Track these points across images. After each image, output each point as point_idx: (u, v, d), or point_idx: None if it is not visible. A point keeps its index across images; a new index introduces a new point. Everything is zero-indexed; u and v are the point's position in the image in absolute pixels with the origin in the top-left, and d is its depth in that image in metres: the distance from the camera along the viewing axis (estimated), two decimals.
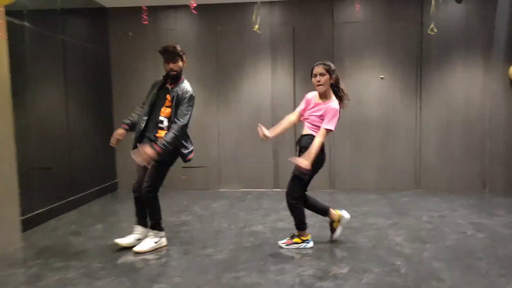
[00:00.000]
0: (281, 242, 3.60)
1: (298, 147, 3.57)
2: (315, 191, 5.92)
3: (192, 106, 3.56)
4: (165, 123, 3.51)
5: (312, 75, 3.46)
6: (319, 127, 3.41)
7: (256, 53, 6.05)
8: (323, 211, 3.67)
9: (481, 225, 4.12)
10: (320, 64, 3.44)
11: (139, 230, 3.65)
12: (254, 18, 4.84)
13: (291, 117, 3.64)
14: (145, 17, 4.27)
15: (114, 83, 6.29)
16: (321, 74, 3.41)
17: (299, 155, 3.46)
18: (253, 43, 6.01)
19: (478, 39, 5.72)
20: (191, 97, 3.54)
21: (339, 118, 3.44)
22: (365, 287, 2.74)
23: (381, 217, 4.52)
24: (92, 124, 5.70)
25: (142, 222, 3.67)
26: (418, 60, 5.85)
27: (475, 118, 5.84)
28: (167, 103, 3.53)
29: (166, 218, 4.56)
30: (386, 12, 5.87)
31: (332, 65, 3.48)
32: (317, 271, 3.02)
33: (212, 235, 3.95)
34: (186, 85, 3.57)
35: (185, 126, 3.48)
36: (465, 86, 5.83)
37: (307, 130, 3.51)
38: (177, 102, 3.48)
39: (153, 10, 5.79)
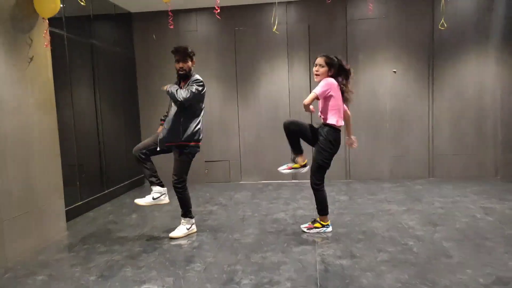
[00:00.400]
0: (303, 226, 3.92)
1: None
2: (332, 181, 6.25)
3: (198, 90, 3.71)
4: None
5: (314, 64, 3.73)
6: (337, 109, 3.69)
7: (273, 51, 6.35)
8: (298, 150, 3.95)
9: (490, 209, 4.36)
10: (323, 56, 3.68)
11: (154, 189, 3.93)
12: (273, 20, 5.13)
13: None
14: (170, 22, 4.60)
15: (140, 84, 6.68)
16: (321, 65, 3.66)
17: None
18: (270, 41, 6.30)
19: (488, 30, 5.90)
20: (198, 81, 3.75)
21: (330, 95, 3.63)
22: (380, 264, 3.04)
23: (395, 204, 4.79)
24: (121, 123, 6.10)
25: (153, 181, 3.95)
26: (430, 53, 6.06)
27: (487, 107, 6.03)
28: None
29: (194, 208, 4.90)
30: (399, 9, 6.08)
31: (336, 60, 3.68)
32: (336, 251, 3.33)
33: (238, 222, 4.29)
34: (196, 76, 3.83)
35: (184, 100, 3.64)
36: (477, 76, 6.02)
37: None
38: None
39: (175, 13, 6.15)
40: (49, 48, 3.94)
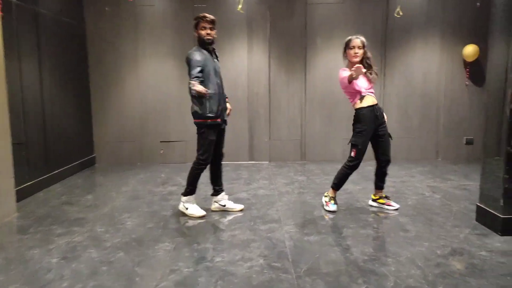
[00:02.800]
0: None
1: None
2: (287, 163, 6.41)
3: (189, 65, 3.61)
4: None
5: (349, 46, 3.74)
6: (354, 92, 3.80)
7: (233, 30, 6.27)
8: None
9: (436, 188, 4.73)
10: (358, 38, 3.73)
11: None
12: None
13: None
14: None
15: (90, 57, 6.30)
16: (359, 47, 3.72)
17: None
18: (230, 20, 6.21)
19: (437, 21, 6.27)
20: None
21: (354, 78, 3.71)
22: (345, 239, 3.20)
23: (351, 183, 5.01)
24: (70, 99, 5.74)
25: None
26: (383, 40, 6.33)
27: (431, 94, 6.45)
28: None
29: (152, 188, 4.84)
30: None
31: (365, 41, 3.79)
32: (302, 229, 3.44)
33: (201, 202, 4.26)
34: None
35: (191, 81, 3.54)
36: (424, 64, 6.40)
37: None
38: None
39: None
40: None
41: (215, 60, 3.82)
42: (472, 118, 6.44)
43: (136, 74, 6.34)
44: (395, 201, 4.14)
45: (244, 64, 6.36)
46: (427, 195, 4.45)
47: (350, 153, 3.88)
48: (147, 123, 6.45)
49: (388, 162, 3.97)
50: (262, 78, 6.37)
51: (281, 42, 6.32)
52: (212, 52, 3.78)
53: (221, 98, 3.78)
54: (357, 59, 3.74)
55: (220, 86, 3.79)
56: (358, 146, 3.80)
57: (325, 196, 4.03)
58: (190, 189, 3.84)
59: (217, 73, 3.76)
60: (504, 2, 3.23)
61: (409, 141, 6.54)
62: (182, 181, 5.26)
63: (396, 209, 3.94)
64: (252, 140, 6.51)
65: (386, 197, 4.07)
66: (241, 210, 3.96)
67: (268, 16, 6.26)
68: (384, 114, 3.96)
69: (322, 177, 5.40)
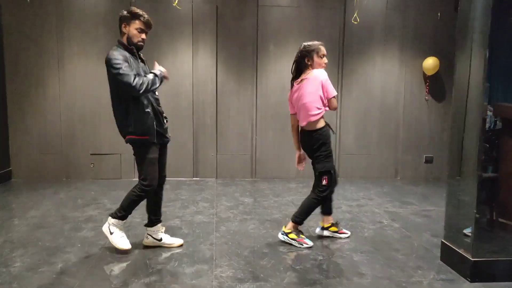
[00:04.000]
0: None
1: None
2: (236, 180, 5.76)
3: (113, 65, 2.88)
4: None
5: (320, 55, 3.31)
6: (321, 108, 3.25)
7: (176, 31, 5.58)
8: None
9: (395, 214, 4.24)
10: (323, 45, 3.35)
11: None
12: None
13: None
14: None
15: (7, 54, 5.39)
16: (326, 56, 3.38)
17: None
18: (172, 20, 5.52)
19: (396, 31, 5.88)
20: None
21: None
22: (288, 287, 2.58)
23: (294, 208, 4.43)
24: None
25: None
26: (341, 49, 5.86)
27: (390, 108, 6.04)
28: None
29: (68, 213, 4.04)
30: None
31: None
32: (236, 273, 2.79)
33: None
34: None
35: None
36: (383, 76, 5.98)
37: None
38: None
39: None
40: None
41: (141, 62, 3.12)
42: (431, 135, 6.09)
43: (62, 75, 5.49)
44: (350, 231, 3.61)
45: (189, 70, 5.67)
46: (386, 223, 3.94)
47: (321, 182, 3.26)
48: (75, 132, 5.60)
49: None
50: (208, 84, 5.71)
51: (231, 46, 5.70)
52: (135, 54, 3.06)
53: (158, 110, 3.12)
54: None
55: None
56: (330, 172, 3.22)
57: (288, 233, 3.33)
58: (123, 215, 3.10)
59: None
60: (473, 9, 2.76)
61: (368, 158, 6.08)
62: (108, 203, 4.48)
63: (348, 237, 3.46)
64: (197, 154, 5.81)
65: (337, 223, 3.52)
66: (180, 246, 3.25)
67: (216, 16, 5.62)
68: None
69: (271, 199, 4.79)
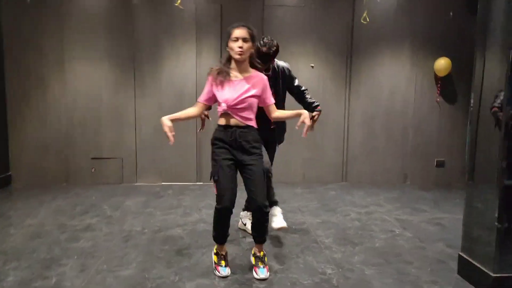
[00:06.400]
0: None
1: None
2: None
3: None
4: None
5: (232, 38, 2.66)
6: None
7: (179, 32, 5.43)
8: None
9: (407, 222, 4.04)
10: (243, 26, 2.68)
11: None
12: None
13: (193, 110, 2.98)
14: None
15: (7, 57, 5.27)
16: (245, 40, 2.66)
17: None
18: (175, 20, 5.38)
19: (406, 32, 5.69)
20: None
21: None
22: None
23: (309, 214, 4.27)
24: None
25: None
26: (349, 50, 5.68)
27: (399, 111, 5.84)
28: None
29: (66, 221, 3.90)
30: None
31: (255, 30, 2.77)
32: (241, 287, 2.63)
33: (120, 243, 3.37)
34: None
35: None
36: (392, 78, 5.79)
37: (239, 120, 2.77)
38: None
39: None
40: None
41: None
42: (443, 138, 5.88)
43: (63, 77, 5.37)
44: (360, 241, 3.43)
45: (192, 71, 5.52)
46: (397, 232, 3.75)
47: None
48: (75, 136, 5.47)
49: None
50: None
51: None
52: None
53: None
54: (243, 57, 2.66)
55: None
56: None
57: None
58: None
59: None
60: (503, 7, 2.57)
61: (374, 162, 5.88)
62: (108, 210, 4.33)
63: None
64: (200, 158, 5.65)
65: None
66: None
67: (220, 16, 5.47)
68: None
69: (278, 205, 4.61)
